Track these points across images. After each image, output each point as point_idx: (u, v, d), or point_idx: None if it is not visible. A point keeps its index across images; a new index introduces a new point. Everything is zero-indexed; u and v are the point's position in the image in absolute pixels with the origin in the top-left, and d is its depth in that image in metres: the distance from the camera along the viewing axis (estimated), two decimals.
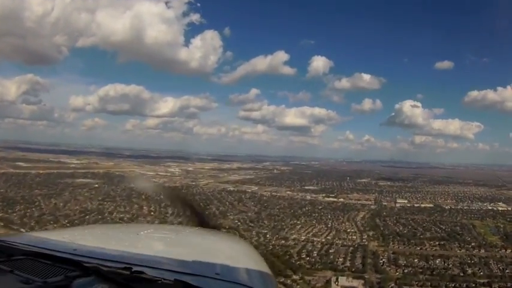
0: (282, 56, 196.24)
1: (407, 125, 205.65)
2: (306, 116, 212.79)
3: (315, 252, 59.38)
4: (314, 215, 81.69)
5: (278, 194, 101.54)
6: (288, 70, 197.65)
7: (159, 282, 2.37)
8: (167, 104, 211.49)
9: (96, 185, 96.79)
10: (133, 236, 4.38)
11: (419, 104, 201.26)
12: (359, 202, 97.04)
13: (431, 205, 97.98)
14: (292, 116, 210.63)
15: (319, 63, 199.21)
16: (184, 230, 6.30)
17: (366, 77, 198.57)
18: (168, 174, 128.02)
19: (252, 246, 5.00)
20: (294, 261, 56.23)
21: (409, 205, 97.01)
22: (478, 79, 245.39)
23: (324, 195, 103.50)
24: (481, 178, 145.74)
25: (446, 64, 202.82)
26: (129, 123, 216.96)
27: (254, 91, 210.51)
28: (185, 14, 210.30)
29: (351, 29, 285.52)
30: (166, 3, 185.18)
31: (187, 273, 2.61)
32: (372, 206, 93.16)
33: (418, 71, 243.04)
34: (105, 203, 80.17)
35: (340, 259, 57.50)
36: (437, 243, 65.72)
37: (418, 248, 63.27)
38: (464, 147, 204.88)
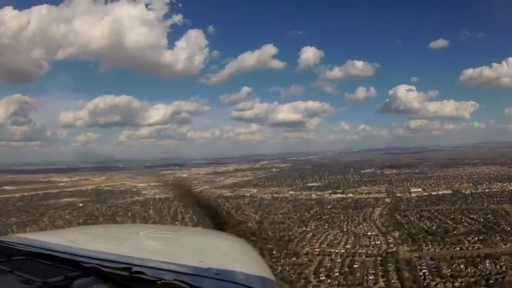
0: (270, 49, 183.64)
1: (402, 111, 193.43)
2: (299, 110, 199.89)
3: (336, 270, 47.13)
4: (324, 217, 69.32)
5: (280, 196, 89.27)
6: (277, 64, 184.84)
7: (159, 282, 2.27)
8: (158, 112, 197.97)
9: (81, 204, 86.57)
10: (133, 236, 4.20)
11: (413, 88, 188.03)
12: (370, 196, 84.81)
13: (449, 191, 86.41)
14: (286, 112, 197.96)
15: (309, 54, 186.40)
16: (184, 230, 7.73)
17: (359, 64, 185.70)
18: (161, 184, 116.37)
19: (252, 246, 4.33)
20: None
21: (425, 194, 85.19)
22: (473, 56, 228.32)
23: (330, 191, 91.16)
24: (486, 157, 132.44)
25: (440, 43, 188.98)
26: (122, 135, 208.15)
27: (245, 89, 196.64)
28: (167, 16, 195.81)
29: (339, 15, 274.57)
30: (146, 5, 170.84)
31: (187, 273, 2.51)
32: (386, 199, 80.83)
33: (412, 53, 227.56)
34: (87, 225, 67.96)
35: (371, 277, 45.20)
36: (476, 238, 53.64)
37: (458, 249, 51.00)
38: (460, 127, 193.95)
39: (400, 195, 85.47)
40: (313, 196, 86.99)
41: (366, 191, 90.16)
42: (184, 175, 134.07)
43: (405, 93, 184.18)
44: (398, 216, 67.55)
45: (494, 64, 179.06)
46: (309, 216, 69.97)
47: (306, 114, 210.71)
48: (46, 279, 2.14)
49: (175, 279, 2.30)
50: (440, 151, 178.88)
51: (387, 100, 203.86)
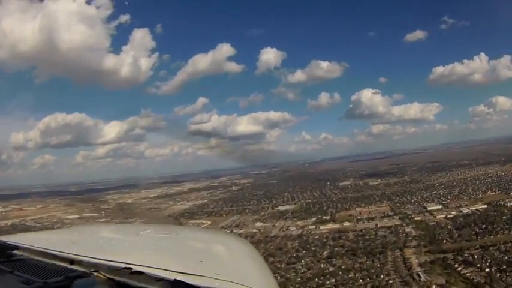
0: (226, 50, 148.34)
1: (366, 116, 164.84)
2: (259, 121, 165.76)
3: None
4: (331, 281, 34.83)
5: (242, 231, 54.87)
6: (234, 67, 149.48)
7: (159, 282, 2.16)
8: (111, 129, 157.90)
9: None
10: (133, 236, 4.00)
11: (379, 91, 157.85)
12: (379, 224, 51.86)
13: (483, 205, 55.55)
14: (245, 124, 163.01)
15: (269, 56, 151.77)
16: (184, 230, 7.05)
17: (324, 64, 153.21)
18: (95, 215, 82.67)
19: (252, 246, 4.07)
20: None
21: (454, 213, 54.40)
22: (444, 53, 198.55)
23: (314, 219, 57.90)
24: (468, 157, 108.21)
25: (413, 38, 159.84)
26: (79, 156, 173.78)
27: (201, 100, 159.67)
28: (110, 16, 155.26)
29: (303, 11, 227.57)
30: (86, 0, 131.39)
31: (187, 273, 2.33)
32: (408, 229, 48.27)
33: (381, 50, 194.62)
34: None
35: None
36: None
37: None
38: (422, 130, 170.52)
39: (419, 218, 53.21)
40: (293, 230, 53.08)
41: (365, 215, 57.40)
42: (130, 200, 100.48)
43: (370, 97, 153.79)
44: (460, 268, 34.36)
45: (465, 61, 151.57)
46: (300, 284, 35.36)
47: (267, 125, 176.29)
48: (46, 279, 2.03)
49: (175, 279, 2.17)
50: (409, 155, 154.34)
51: (351, 106, 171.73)
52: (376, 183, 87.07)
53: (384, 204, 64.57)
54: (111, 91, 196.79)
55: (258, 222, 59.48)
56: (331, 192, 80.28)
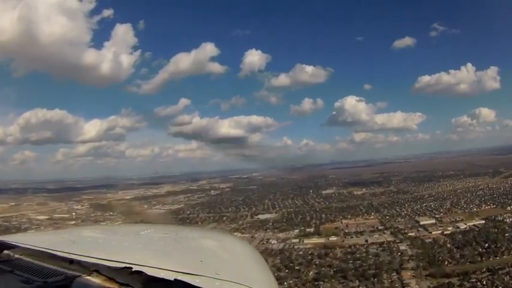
0: (209, 49, 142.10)
1: (349, 123, 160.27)
2: (241, 125, 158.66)
3: None
4: None
5: None
6: (217, 68, 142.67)
7: (159, 282, 2.15)
8: (92, 128, 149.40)
9: None
10: (133, 236, 3.88)
11: (363, 99, 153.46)
12: (369, 239, 46.21)
13: (479, 221, 50.82)
14: (227, 127, 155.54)
15: (254, 58, 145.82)
16: (184, 230, 6.44)
17: (308, 68, 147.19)
18: (66, 216, 76.75)
19: (253, 246, 4.30)
20: None
21: (450, 229, 49.58)
22: (430, 62, 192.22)
23: (297, 231, 52.19)
24: (454, 167, 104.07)
25: (403, 42, 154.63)
26: (59, 153, 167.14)
27: (183, 101, 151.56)
28: (94, 12, 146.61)
29: (290, 13, 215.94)
30: None
31: (187, 273, 2.30)
32: (402, 247, 42.60)
33: (369, 56, 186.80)
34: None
35: None
36: None
37: None
38: (404, 139, 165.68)
39: (412, 233, 47.68)
40: (274, 244, 46.81)
41: (354, 228, 51.60)
42: (105, 201, 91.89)
43: (354, 104, 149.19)
44: None
45: (452, 71, 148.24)
46: None
47: (249, 129, 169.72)
48: (46, 279, 2.03)
49: (175, 279, 2.13)
50: (391, 164, 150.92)
51: (334, 112, 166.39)
52: (361, 192, 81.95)
53: (372, 217, 59.00)
54: (91, 88, 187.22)
55: (236, 233, 52.92)
56: (314, 201, 74.42)
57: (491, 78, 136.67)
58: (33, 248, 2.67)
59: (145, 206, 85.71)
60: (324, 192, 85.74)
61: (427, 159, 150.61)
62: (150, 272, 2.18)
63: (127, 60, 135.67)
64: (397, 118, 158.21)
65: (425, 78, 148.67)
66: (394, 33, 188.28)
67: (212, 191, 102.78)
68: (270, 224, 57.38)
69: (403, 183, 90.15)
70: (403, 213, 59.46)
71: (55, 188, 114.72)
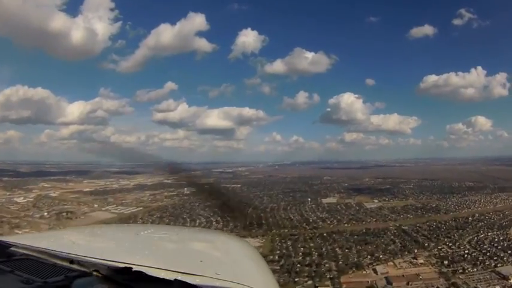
0: (198, 22, 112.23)
1: (343, 122, 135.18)
2: (231, 117, 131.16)
3: None
4: None
5: None
6: (204, 45, 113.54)
7: (159, 282, 2.02)
8: (73, 109, 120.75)
9: None
10: (133, 236, 3.60)
11: (360, 97, 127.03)
12: None
13: None
14: (216, 118, 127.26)
15: (248, 39, 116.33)
16: (184, 230, 6.57)
17: (309, 55, 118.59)
18: None
19: (253, 246, 3.86)
20: None
21: None
22: (443, 58, 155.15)
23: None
24: (468, 177, 79.88)
25: (421, 31, 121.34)
26: (43, 135, 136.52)
27: (169, 86, 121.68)
28: None
29: None
30: None
31: (187, 273, 2.19)
32: None
33: (379, 44, 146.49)
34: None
35: None
36: None
37: None
38: (396, 142, 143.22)
39: None
40: None
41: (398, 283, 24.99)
42: (56, 193, 67.85)
43: (350, 102, 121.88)
44: None
45: (460, 73, 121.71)
46: None
47: (238, 122, 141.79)
48: (46, 279, 1.90)
49: (175, 279, 2.03)
50: (386, 167, 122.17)
51: (328, 109, 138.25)
52: (374, 205, 57.08)
53: (420, 259, 33.15)
54: (60, 60, 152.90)
55: None
56: (316, 217, 48.58)
57: (500, 84, 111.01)
58: (33, 248, 2.46)
59: (95, 205, 59.96)
60: (324, 201, 60.57)
61: (424, 164, 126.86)
62: (150, 272, 2.02)
63: (103, 30, 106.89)
64: (392, 120, 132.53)
65: (432, 78, 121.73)
66: (414, 17, 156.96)
67: (185, 188, 76.09)
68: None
69: (420, 194, 67.06)
70: (465, 254, 33.79)
71: (24, 172, 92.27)
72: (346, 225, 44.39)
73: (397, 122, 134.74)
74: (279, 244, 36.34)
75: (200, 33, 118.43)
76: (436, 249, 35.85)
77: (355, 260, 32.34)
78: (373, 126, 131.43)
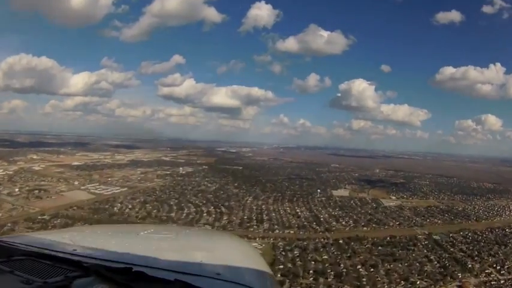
0: None
1: (353, 108, 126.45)
2: (238, 96, 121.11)
3: None
4: None
5: None
6: (213, 15, 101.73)
7: (159, 282, 1.95)
8: (76, 80, 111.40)
9: None
10: (133, 236, 3.46)
11: (373, 84, 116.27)
12: None
13: None
14: (223, 96, 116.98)
15: (261, 12, 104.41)
16: (184, 230, 6.11)
17: (324, 33, 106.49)
18: None
19: (253, 246, 3.71)
20: None
21: None
22: (464, 50, 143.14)
23: None
24: (483, 177, 71.41)
25: (447, 17, 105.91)
26: (48, 105, 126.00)
27: (176, 59, 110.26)
28: None
29: None
30: None
31: (187, 273, 2.13)
32: None
33: (402, 26, 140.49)
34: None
35: None
36: None
37: None
38: (402, 134, 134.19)
39: None
40: None
41: None
42: (41, 166, 59.78)
43: (362, 89, 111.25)
44: None
45: (479, 68, 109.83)
46: None
47: (245, 101, 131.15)
48: (46, 279, 1.80)
49: (175, 279, 1.95)
50: (395, 158, 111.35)
51: (339, 94, 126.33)
52: (393, 203, 48.65)
53: (466, 285, 24.03)
54: (60, 26, 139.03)
55: None
56: (327, 214, 39.32)
57: None
58: (33, 248, 2.33)
59: (76, 183, 51.24)
60: (335, 193, 51.91)
61: (432, 159, 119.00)
62: (150, 272, 1.94)
63: None
64: (402, 111, 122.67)
65: (450, 70, 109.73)
66: (442, 1, 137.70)
67: (181, 168, 67.18)
68: None
69: (440, 193, 56.70)
70: None
71: (21, 142, 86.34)
72: (365, 228, 35.28)
73: (407, 113, 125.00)
74: (283, 253, 27.39)
75: (209, 1, 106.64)
76: (483, 274, 26.76)
77: (391, 274, 23.39)
78: (383, 115, 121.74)
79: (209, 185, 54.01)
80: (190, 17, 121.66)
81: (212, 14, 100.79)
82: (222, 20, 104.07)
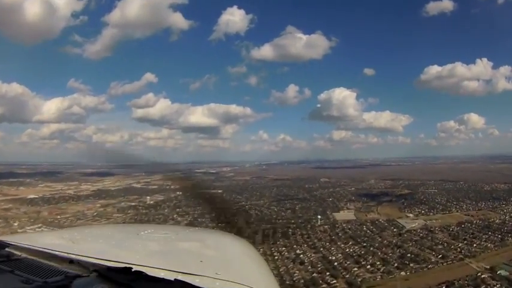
0: None
1: (333, 119, 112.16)
2: (216, 114, 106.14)
3: None
4: None
5: None
6: (180, 22, 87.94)
7: (159, 282, 1.95)
8: (48, 105, 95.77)
9: None
10: (134, 236, 3.43)
11: (355, 91, 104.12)
12: None
13: None
14: (200, 115, 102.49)
15: (233, 17, 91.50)
16: (184, 230, 5.71)
17: (303, 37, 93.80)
18: None
19: (253, 246, 3.58)
20: None
21: None
22: (451, 46, 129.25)
23: None
24: (488, 178, 62.40)
25: (438, 7, 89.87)
26: (24, 134, 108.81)
27: (147, 77, 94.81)
28: None
29: None
30: None
31: (187, 273, 2.10)
32: None
33: (388, 19, 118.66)
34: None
35: None
36: None
37: None
38: (384, 140, 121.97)
39: None
40: None
41: None
42: None
43: (342, 98, 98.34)
44: None
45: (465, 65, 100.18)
46: None
47: (223, 119, 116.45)
48: (46, 279, 1.81)
49: (175, 279, 1.94)
50: (382, 166, 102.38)
51: (318, 105, 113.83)
52: (416, 224, 36.90)
53: None
54: (12, 42, 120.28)
55: None
56: (343, 256, 26.79)
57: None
58: (33, 248, 2.35)
59: (15, 224, 42.46)
60: (339, 218, 39.95)
61: (421, 163, 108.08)
62: (150, 272, 1.94)
63: (64, 4, 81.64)
64: (384, 118, 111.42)
65: (435, 69, 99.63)
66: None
67: (148, 198, 54.19)
68: None
69: (459, 203, 47.03)
70: None
71: None
72: (402, 273, 22.70)
73: (389, 120, 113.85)
74: None
75: (174, 6, 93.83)
76: None
77: None
78: (365, 123, 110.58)
79: (179, 218, 41.59)
80: (154, 24, 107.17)
81: (179, 21, 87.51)
82: (190, 26, 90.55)
